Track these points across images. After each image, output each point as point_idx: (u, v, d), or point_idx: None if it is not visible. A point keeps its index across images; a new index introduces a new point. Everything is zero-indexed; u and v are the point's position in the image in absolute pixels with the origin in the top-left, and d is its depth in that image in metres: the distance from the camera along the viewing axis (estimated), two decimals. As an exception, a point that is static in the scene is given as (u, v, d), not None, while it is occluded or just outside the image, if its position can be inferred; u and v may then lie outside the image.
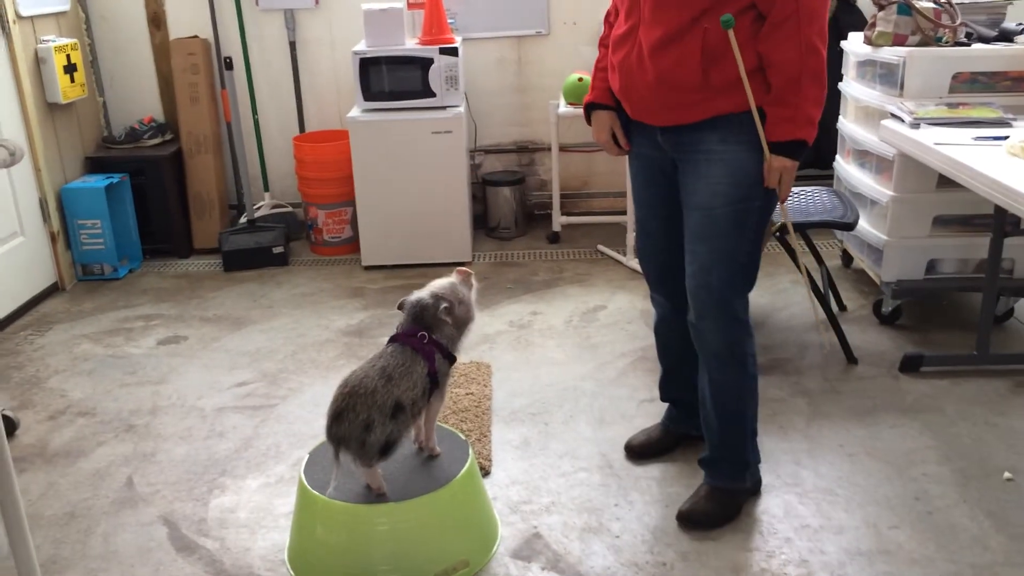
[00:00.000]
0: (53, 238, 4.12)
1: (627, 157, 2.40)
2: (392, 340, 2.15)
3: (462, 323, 2.22)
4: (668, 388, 2.62)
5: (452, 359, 2.19)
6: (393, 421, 2.03)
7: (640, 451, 2.62)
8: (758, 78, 2.05)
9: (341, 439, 2.03)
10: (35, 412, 3.05)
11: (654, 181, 2.31)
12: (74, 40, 4.23)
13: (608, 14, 2.32)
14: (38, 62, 4.04)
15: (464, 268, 2.31)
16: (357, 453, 2.03)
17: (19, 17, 3.90)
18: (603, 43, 2.33)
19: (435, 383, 2.14)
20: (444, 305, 2.15)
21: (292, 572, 2.20)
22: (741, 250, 2.17)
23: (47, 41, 4.07)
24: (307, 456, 2.27)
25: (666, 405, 2.66)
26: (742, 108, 2.06)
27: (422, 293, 2.19)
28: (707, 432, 2.36)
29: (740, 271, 2.19)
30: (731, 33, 1.99)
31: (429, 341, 2.13)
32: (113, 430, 2.91)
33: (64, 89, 4.10)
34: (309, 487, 2.13)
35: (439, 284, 2.22)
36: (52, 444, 2.84)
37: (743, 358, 2.25)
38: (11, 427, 2.88)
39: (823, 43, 2.02)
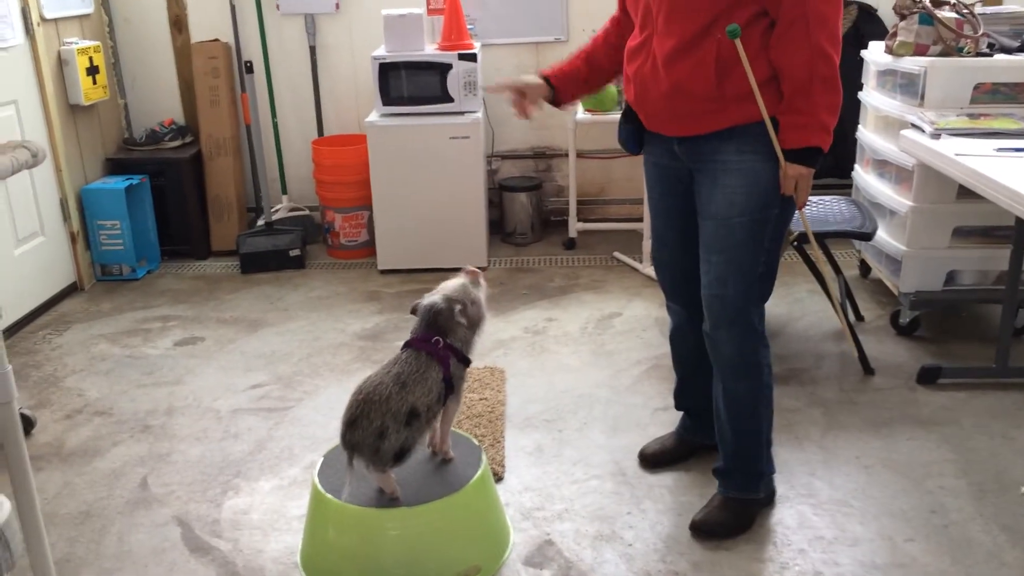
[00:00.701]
0: (73, 238, 4.15)
1: (643, 166, 2.40)
2: (406, 346, 2.15)
3: (475, 323, 2.22)
4: (683, 397, 2.62)
5: (467, 362, 2.19)
6: (408, 428, 2.03)
7: (654, 460, 2.61)
8: (773, 87, 2.05)
9: (355, 445, 2.03)
10: (52, 411, 3.07)
11: (671, 191, 2.30)
12: (97, 42, 4.27)
13: (615, 20, 2.34)
14: (61, 64, 4.08)
15: (472, 268, 2.29)
16: (371, 459, 2.03)
17: (43, 19, 3.94)
18: (595, 39, 2.36)
19: (450, 388, 2.14)
20: (458, 307, 2.16)
21: (304, 575, 2.21)
22: (757, 260, 2.16)
23: (70, 43, 4.12)
24: (321, 459, 2.28)
25: (680, 414, 2.66)
26: (758, 118, 2.05)
27: (434, 297, 2.19)
28: (721, 442, 2.35)
29: (756, 281, 2.18)
30: (738, 43, 1.98)
31: (444, 346, 2.13)
32: (129, 430, 2.93)
33: (86, 91, 4.14)
34: (322, 490, 2.14)
35: (450, 286, 2.22)
36: (68, 443, 2.87)
37: (758, 368, 2.24)
38: (28, 426, 2.90)
39: (835, 48, 2.00)
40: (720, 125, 2.08)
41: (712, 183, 2.14)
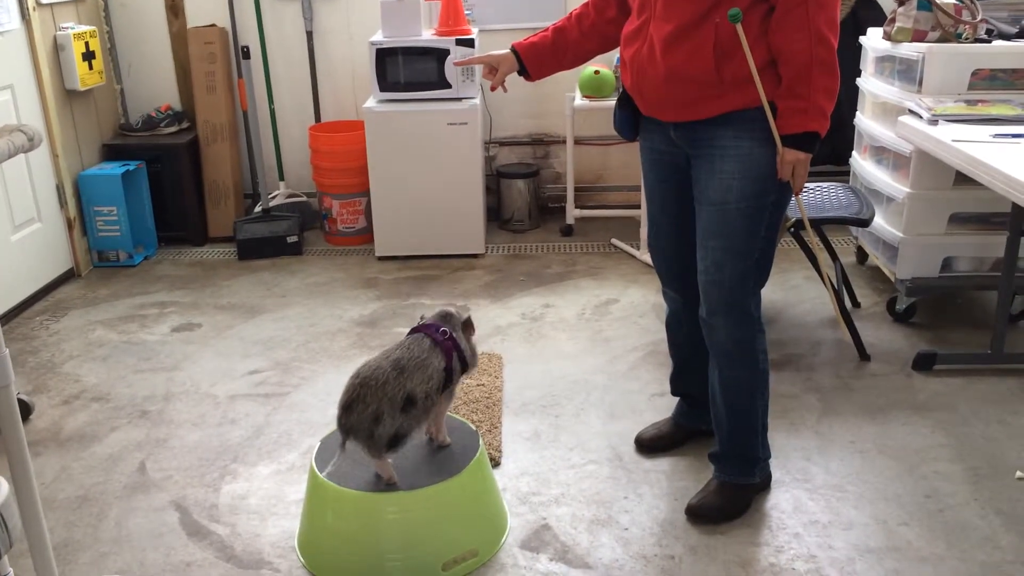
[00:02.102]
0: (69, 224, 4.14)
1: (639, 152, 2.40)
2: (413, 331, 2.16)
3: (466, 358, 2.24)
4: (679, 383, 2.62)
5: (465, 365, 2.20)
6: (403, 414, 2.04)
7: (650, 445, 2.62)
8: (771, 72, 2.05)
9: (350, 429, 2.04)
10: (49, 397, 3.08)
11: (666, 177, 2.31)
12: (93, 27, 4.25)
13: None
14: (57, 49, 4.06)
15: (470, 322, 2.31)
16: (365, 444, 2.04)
17: (39, 4, 3.92)
18: (569, 15, 2.38)
19: (449, 379, 2.14)
20: (468, 314, 2.22)
21: (302, 559, 2.22)
22: (754, 246, 2.16)
23: (66, 28, 4.10)
24: (318, 444, 2.29)
25: (677, 399, 2.66)
26: (756, 103, 2.06)
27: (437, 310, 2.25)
28: (717, 427, 2.36)
29: (753, 267, 2.18)
30: (739, 28, 1.99)
31: (449, 337, 2.14)
32: (127, 415, 2.94)
33: (82, 76, 4.12)
34: (320, 475, 2.14)
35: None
36: (66, 428, 2.87)
37: (754, 355, 2.25)
38: (26, 411, 2.91)
39: (833, 33, 2.01)
40: (718, 110, 2.08)
41: (709, 169, 2.14)
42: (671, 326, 2.55)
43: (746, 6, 2.00)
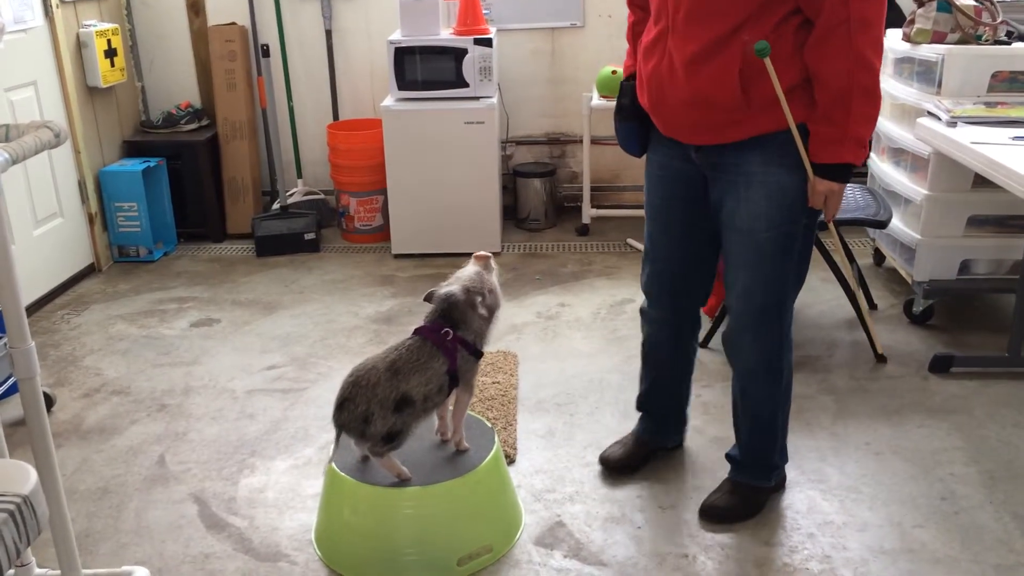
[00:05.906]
0: (91, 220, 4.19)
1: (646, 166, 2.25)
2: (416, 332, 2.14)
3: (492, 311, 2.20)
4: (648, 400, 2.51)
5: (478, 355, 2.16)
6: (397, 414, 2.02)
7: (617, 467, 2.50)
8: (806, 91, 1.91)
9: (342, 426, 2.07)
10: (71, 390, 3.11)
11: (675, 194, 2.18)
12: (115, 25, 4.29)
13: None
14: (79, 46, 4.11)
15: (482, 253, 2.22)
16: (359, 441, 2.07)
17: (62, 2, 3.97)
18: (630, 37, 2.27)
19: (455, 381, 2.11)
20: (479, 299, 2.12)
21: (319, 552, 2.24)
22: (788, 270, 2.07)
23: (89, 26, 4.14)
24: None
25: (640, 415, 2.55)
26: (785, 126, 1.92)
27: (452, 287, 2.13)
28: (736, 434, 2.34)
29: (788, 289, 2.11)
30: (768, 62, 1.84)
31: (453, 338, 2.09)
32: (146, 409, 2.97)
33: (104, 73, 4.16)
34: (338, 470, 2.16)
35: (467, 275, 2.17)
36: (87, 421, 2.91)
37: (779, 372, 2.19)
38: (48, 404, 2.94)
39: (877, 55, 1.86)
40: (745, 134, 1.96)
41: (735, 196, 2.03)
42: (653, 349, 2.41)
43: (777, 21, 1.85)
